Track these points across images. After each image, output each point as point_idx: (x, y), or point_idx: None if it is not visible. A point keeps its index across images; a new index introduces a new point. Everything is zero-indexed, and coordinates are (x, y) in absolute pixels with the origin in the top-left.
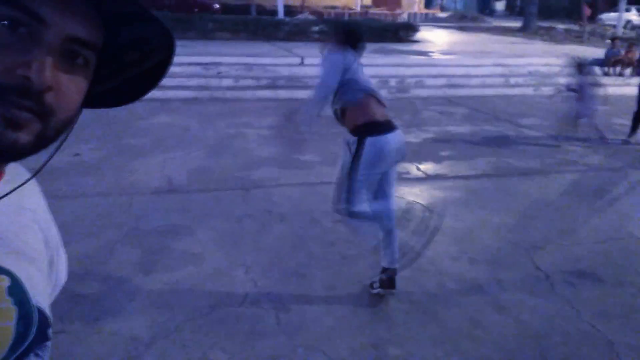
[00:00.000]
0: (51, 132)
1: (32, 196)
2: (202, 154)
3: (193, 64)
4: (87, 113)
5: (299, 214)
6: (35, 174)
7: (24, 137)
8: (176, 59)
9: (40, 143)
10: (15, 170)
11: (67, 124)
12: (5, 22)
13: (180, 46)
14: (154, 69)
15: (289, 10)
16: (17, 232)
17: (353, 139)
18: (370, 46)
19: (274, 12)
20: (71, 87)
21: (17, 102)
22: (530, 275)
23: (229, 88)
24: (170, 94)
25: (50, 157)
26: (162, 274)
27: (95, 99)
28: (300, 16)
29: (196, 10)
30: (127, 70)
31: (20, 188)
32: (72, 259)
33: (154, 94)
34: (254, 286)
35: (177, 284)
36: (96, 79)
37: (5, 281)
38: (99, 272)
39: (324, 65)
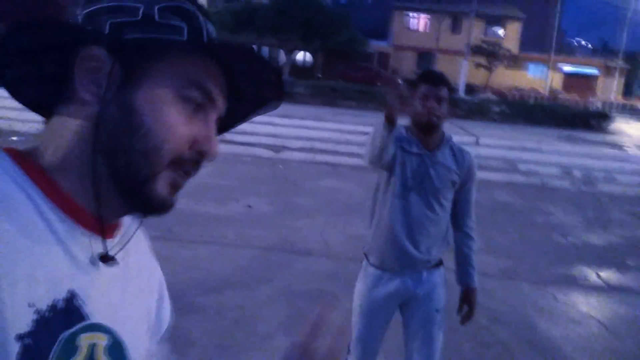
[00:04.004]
0: None
1: (143, 245)
2: (362, 223)
3: (366, 134)
4: (264, 169)
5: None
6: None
7: (176, 197)
8: (350, 127)
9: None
10: (128, 222)
11: None
12: (195, 100)
13: (358, 116)
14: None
15: (471, 89)
16: (128, 288)
17: None
18: (555, 132)
19: (454, 90)
20: None
21: (188, 167)
22: None
23: None
24: (342, 159)
25: None
26: None
27: None
28: (482, 95)
29: (379, 84)
30: (239, 115)
31: (137, 239)
32: (223, 307)
33: (327, 158)
34: None
35: None
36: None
37: (105, 340)
38: (247, 324)
39: None
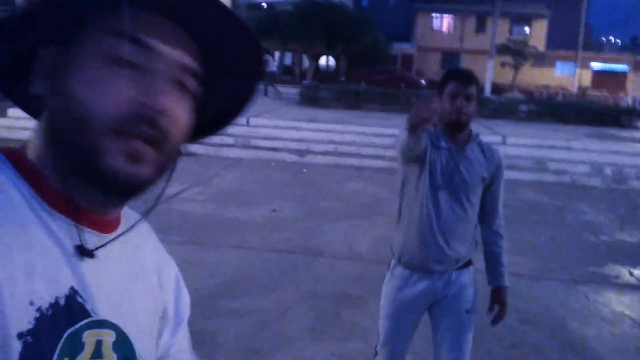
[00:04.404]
0: (165, 160)
1: (149, 242)
2: (387, 225)
3: (390, 136)
4: (288, 173)
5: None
6: (146, 214)
7: (144, 169)
8: (374, 130)
9: (157, 173)
10: (129, 216)
11: (177, 153)
12: (123, 56)
13: (382, 118)
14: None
15: (497, 89)
16: (131, 284)
17: None
18: (585, 129)
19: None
20: (181, 114)
21: (136, 130)
22: None
23: None
24: (366, 162)
25: (159, 199)
26: (329, 343)
27: (199, 130)
28: (509, 94)
29: (403, 85)
30: (224, 84)
31: (139, 235)
32: (249, 311)
33: (351, 161)
34: None
35: (343, 356)
36: (199, 109)
37: (111, 336)
38: (272, 328)
39: None
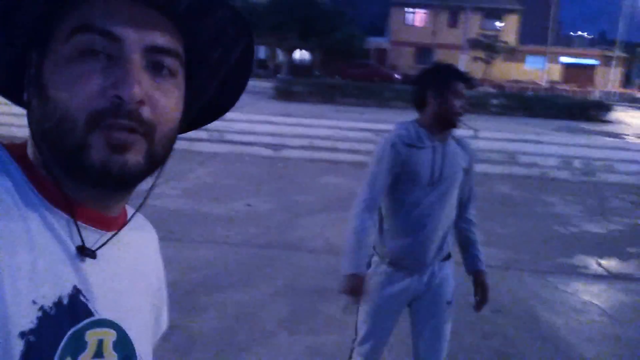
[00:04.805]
0: (158, 148)
1: (152, 243)
2: None
3: (365, 130)
4: (264, 168)
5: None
6: (140, 206)
7: (133, 157)
8: (349, 124)
9: (150, 163)
10: (138, 219)
11: (171, 140)
12: (84, 49)
13: (357, 112)
14: (240, 69)
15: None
16: (131, 283)
17: None
18: (554, 123)
19: None
20: (165, 98)
21: (116, 123)
22: None
23: None
24: (341, 156)
25: (153, 187)
26: (306, 337)
27: (198, 118)
28: (480, 88)
29: (377, 79)
30: (216, 71)
31: (141, 234)
32: (226, 305)
33: (326, 155)
34: None
35: (319, 349)
36: (191, 94)
37: (113, 335)
38: (249, 322)
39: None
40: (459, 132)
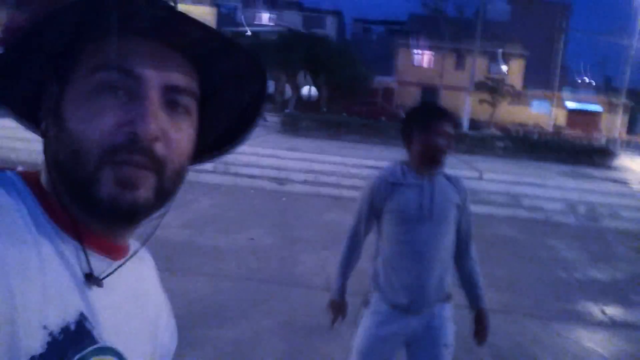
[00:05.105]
0: (168, 184)
1: (151, 271)
2: (365, 256)
3: (370, 167)
4: (267, 201)
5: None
6: (145, 242)
7: (143, 194)
8: (354, 161)
9: (159, 198)
10: (134, 244)
11: (181, 176)
12: (103, 85)
13: (362, 149)
14: (251, 108)
15: (475, 124)
16: (133, 311)
17: None
18: (559, 167)
19: (460, 125)
20: (178, 135)
21: (129, 159)
22: None
23: None
24: (345, 192)
25: (159, 223)
26: None
27: (205, 152)
28: (486, 130)
29: (383, 118)
30: (228, 108)
31: (142, 263)
32: (223, 339)
33: (331, 191)
34: None
35: None
36: (203, 129)
37: None
38: (245, 357)
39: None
40: (463, 173)
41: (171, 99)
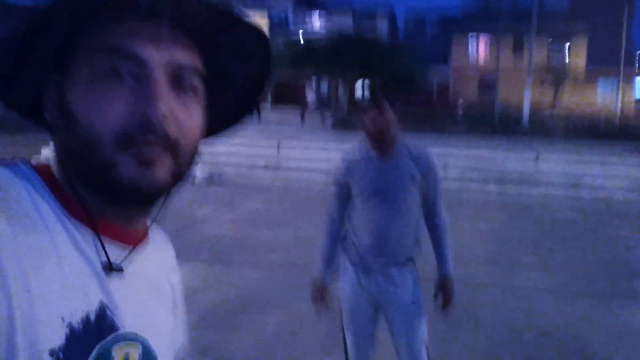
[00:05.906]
0: (182, 163)
1: (170, 255)
2: None
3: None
4: (316, 194)
5: (499, 321)
6: (155, 218)
7: (160, 172)
8: None
9: (174, 177)
10: (157, 233)
11: (194, 154)
12: (108, 71)
13: (416, 138)
14: (257, 82)
15: (536, 107)
16: (152, 296)
17: None
18: (622, 146)
19: (519, 110)
20: (187, 114)
21: (144, 140)
22: None
23: (454, 179)
24: None
25: (170, 198)
26: (340, 355)
27: (214, 127)
28: (547, 113)
29: (437, 108)
30: (233, 82)
31: (161, 247)
32: (265, 325)
33: None
34: None
35: None
36: (210, 104)
37: (137, 349)
38: (286, 341)
39: None
40: (520, 155)
41: (177, 78)
